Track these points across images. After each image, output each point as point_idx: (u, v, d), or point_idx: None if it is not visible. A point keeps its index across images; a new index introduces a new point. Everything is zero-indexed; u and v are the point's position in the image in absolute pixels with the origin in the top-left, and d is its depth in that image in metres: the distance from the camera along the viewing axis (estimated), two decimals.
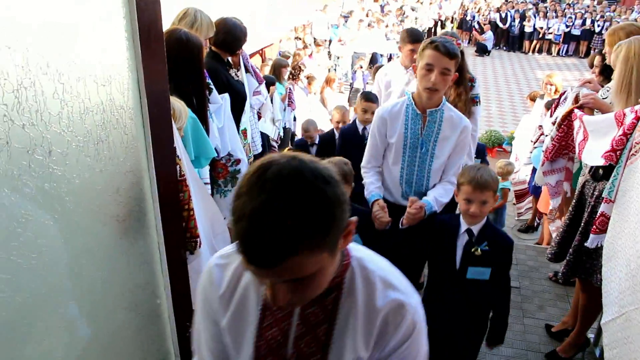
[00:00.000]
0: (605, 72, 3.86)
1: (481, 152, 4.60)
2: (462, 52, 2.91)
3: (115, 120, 1.27)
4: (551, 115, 3.40)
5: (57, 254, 1.11)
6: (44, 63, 1.00)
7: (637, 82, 2.48)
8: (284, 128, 6.13)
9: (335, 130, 4.69)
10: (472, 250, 2.29)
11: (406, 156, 2.60)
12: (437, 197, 2.54)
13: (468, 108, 3.37)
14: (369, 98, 3.92)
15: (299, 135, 5.71)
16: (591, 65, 4.28)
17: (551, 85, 5.69)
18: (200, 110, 2.54)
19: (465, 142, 2.60)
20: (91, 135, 1.18)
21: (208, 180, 2.77)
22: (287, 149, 5.38)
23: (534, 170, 4.87)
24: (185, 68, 2.42)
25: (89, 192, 1.20)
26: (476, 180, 2.23)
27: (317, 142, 4.69)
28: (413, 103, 2.54)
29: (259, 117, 4.52)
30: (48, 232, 1.07)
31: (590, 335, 3.25)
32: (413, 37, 3.99)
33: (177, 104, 2.08)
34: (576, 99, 3.17)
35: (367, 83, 10.17)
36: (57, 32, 1.05)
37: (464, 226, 2.32)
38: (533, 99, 6.23)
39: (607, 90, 3.42)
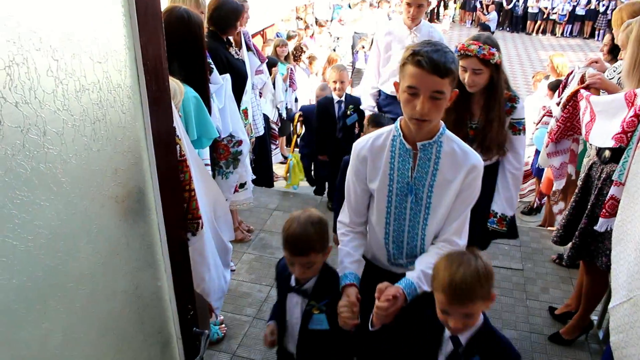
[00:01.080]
0: (614, 52, 3.81)
1: None
2: (497, 65, 2.66)
3: (112, 98, 1.24)
4: (559, 96, 3.35)
5: (54, 235, 1.08)
6: (37, 38, 0.96)
7: None
8: (286, 109, 6.09)
9: (332, 92, 4.75)
10: None
11: (392, 207, 1.96)
12: (425, 270, 1.83)
13: (504, 138, 2.74)
14: (379, 122, 3.34)
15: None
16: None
17: (554, 66, 5.68)
18: (203, 91, 2.51)
19: (473, 187, 1.90)
20: (87, 114, 1.15)
21: (208, 162, 2.75)
22: (297, 115, 5.35)
23: (537, 152, 4.83)
24: (188, 47, 2.38)
25: (86, 173, 1.17)
26: (453, 287, 1.58)
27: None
28: (401, 134, 1.88)
29: (261, 96, 4.49)
30: (44, 214, 1.04)
31: (594, 318, 3.25)
32: None
33: (172, 82, 2.04)
34: (582, 79, 3.13)
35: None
36: (50, 6, 1.01)
37: (447, 331, 1.73)
38: (539, 80, 6.19)
39: (614, 70, 3.38)
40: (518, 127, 2.80)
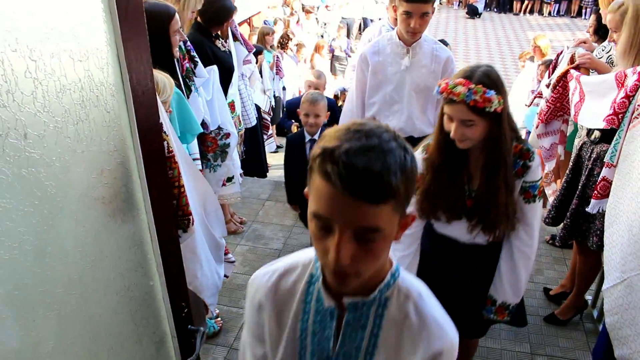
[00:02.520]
0: (600, 32, 3.79)
1: None
2: (496, 114, 1.89)
3: (95, 97, 1.21)
4: (549, 77, 3.34)
5: (41, 241, 1.05)
6: (13, 39, 0.93)
7: None
8: (274, 97, 6.04)
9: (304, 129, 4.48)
10: None
11: None
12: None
13: (513, 209, 2.05)
14: None
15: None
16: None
17: (538, 47, 5.71)
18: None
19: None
20: (70, 115, 1.12)
21: (198, 156, 2.72)
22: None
23: (528, 133, 4.83)
24: (152, 41, 2.34)
25: (70, 175, 1.14)
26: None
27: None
28: (320, 279, 1.11)
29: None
30: (29, 220, 1.01)
31: (588, 297, 3.27)
32: None
33: (161, 76, 2.01)
34: (571, 59, 3.11)
35: (352, 51, 10.03)
36: (25, 4, 0.97)
37: None
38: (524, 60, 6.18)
39: (602, 50, 3.36)
40: (532, 193, 2.06)
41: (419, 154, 2.05)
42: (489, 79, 1.86)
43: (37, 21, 1.00)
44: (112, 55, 1.27)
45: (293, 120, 4.80)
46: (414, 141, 2.60)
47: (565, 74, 3.02)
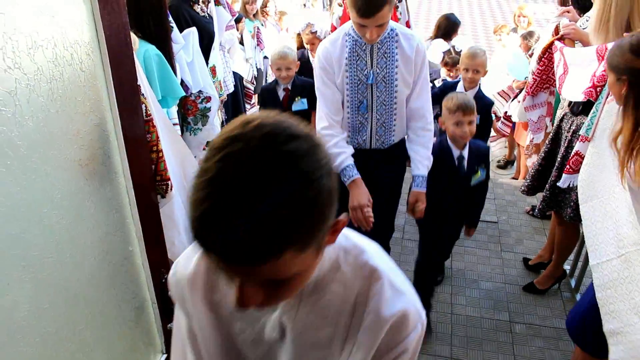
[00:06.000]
0: (578, 4, 3.76)
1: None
2: None
3: (69, 55, 1.16)
4: None
5: (14, 203, 1.02)
6: None
7: (615, 19, 2.39)
8: (257, 69, 5.94)
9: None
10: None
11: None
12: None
13: None
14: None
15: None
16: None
17: (524, 17, 5.58)
18: (164, 49, 2.40)
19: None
20: (42, 73, 1.08)
21: (177, 121, 2.66)
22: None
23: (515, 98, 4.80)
24: (145, 4, 2.27)
25: (44, 136, 1.10)
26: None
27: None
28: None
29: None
30: (1, 180, 0.98)
31: (566, 267, 3.32)
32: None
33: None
34: (556, 30, 3.09)
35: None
36: None
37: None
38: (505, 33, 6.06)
39: (587, 20, 3.34)
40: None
41: None
42: None
43: None
44: (87, 12, 1.23)
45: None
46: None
47: (550, 45, 3.01)
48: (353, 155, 2.27)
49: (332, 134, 2.25)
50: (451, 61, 4.16)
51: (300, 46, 4.82)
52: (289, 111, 3.40)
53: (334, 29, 4.39)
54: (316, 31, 4.58)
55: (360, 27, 2.06)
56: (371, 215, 2.20)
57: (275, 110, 0.67)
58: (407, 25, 3.91)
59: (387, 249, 2.91)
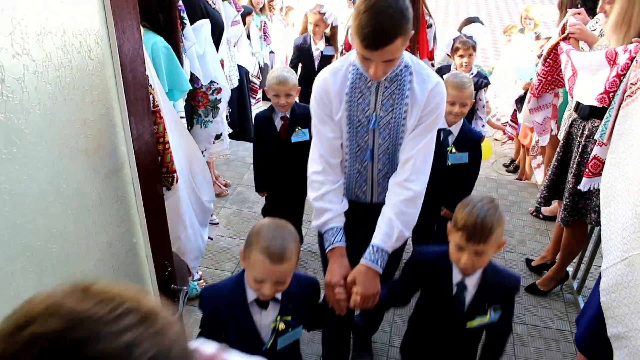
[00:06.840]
0: (586, 6, 3.73)
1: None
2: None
3: (78, 43, 1.15)
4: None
5: (20, 192, 1.01)
6: None
7: (638, 15, 2.38)
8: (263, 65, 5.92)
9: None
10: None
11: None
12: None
13: None
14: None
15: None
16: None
17: (530, 19, 5.55)
18: (172, 42, 2.39)
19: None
20: (51, 60, 1.06)
21: (183, 114, 2.65)
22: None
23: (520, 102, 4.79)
24: None
25: (52, 124, 1.09)
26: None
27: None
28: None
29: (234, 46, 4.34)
30: (6, 168, 0.96)
31: (569, 269, 3.31)
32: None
33: None
34: (563, 29, 3.06)
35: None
36: None
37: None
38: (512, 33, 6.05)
39: (596, 22, 3.32)
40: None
41: None
42: None
43: None
44: (98, 0, 1.21)
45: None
46: None
47: (555, 46, 2.99)
48: (347, 211, 1.97)
49: (323, 181, 1.93)
50: (462, 46, 3.90)
51: (305, 30, 4.77)
52: (288, 143, 3.07)
53: (348, 46, 4.09)
54: (324, 13, 4.44)
55: (364, 59, 1.71)
56: (343, 298, 1.83)
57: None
58: (431, 54, 3.70)
59: (380, 319, 2.78)
